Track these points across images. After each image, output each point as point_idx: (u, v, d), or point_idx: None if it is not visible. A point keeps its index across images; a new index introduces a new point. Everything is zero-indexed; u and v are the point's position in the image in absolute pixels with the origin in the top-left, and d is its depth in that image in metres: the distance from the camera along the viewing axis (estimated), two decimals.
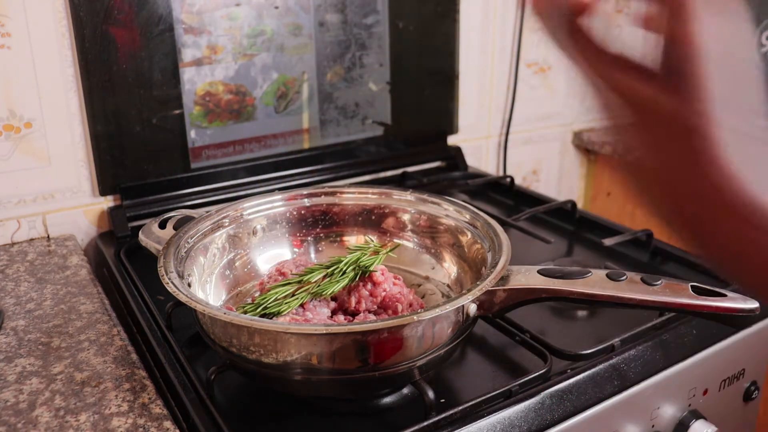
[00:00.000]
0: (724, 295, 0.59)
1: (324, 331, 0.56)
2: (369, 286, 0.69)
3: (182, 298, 0.60)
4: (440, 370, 0.69)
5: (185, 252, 0.71)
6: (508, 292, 0.64)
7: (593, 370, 0.68)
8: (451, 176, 1.24)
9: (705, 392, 0.78)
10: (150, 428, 0.59)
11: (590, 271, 0.63)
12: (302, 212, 0.84)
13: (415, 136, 1.24)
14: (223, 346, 0.62)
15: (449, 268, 0.80)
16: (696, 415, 0.76)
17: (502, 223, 0.80)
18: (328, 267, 0.70)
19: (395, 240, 0.84)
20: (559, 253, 0.97)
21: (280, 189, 0.92)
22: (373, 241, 0.80)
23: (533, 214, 1.03)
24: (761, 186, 0.35)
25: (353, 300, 0.69)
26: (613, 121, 0.41)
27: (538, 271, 0.65)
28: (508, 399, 0.63)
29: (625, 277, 0.62)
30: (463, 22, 1.25)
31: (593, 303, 0.63)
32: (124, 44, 0.94)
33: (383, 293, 0.69)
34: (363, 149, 1.19)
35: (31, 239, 0.98)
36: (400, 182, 1.20)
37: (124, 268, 0.89)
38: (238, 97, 1.05)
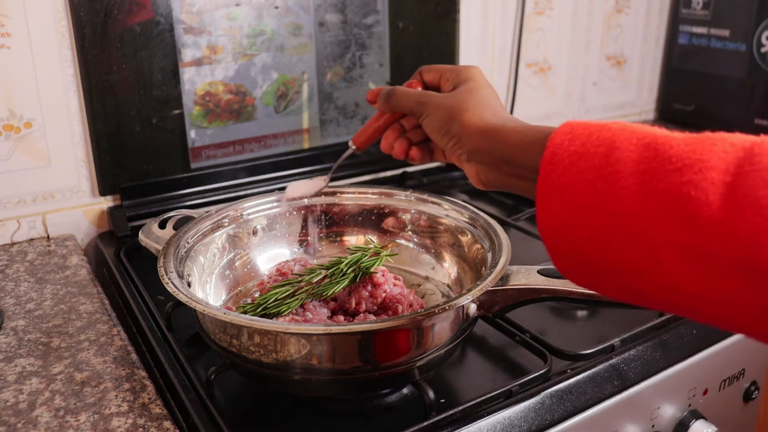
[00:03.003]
0: None
1: (324, 331, 0.56)
2: (369, 287, 0.69)
3: (182, 298, 0.60)
4: (440, 370, 0.69)
5: (185, 252, 0.71)
6: (508, 292, 0.64)
7: (593, 370, 0.68)
8: (451, 176, 1.24)
9: (705, 392, 0.78)
10: (150, 428, 0.59)
11: None
12: (302, 212, 0.84)
13: None
14: (223, 346, 0.62)
15: (449, 268, 0.80)
16: (696, 415, 0.76)
17: (502, 223, 0.80)
18: (328, 268, 0.70)
19: (396, 240, 0.84)
20: None
21: (280, 189, 0.92)
22: (373, 241, 0.80)
23: (533, 214, 1.03)
24: None
25: (353, 301, 0.69)
26: None
27: (538, 271, 0.65)
28: (508, 399, 0.63)
29: None
30: (463, 22, 1.25)
31: (593, 303, 0.63)
32: (124, 44, 0.94)
33: (383, 294, 0.69)
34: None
35: (31, 239, 0.98)
36: (400, 182, 1.20)
37: (124, 268, 0.89)
38: (238, 97, 1.05)
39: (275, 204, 0.83)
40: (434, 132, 0.59)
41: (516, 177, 0.52)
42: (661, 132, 0.43)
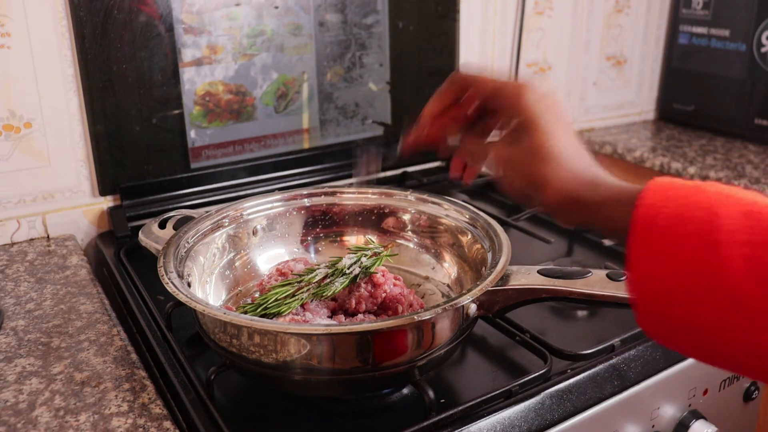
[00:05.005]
0: None
1: (324, 331, 0.56)
2: (369, 287, 0.69)
3: (182, 298, 0.60)
4: (440, 370, 0.69)
5: (185, 252, 0.71)
6: (508, 292, 0.64)
7: (593, 370, 0.68)
8: None
9: (705, 392, 0.78)
10: (150, 428, 0.59)
11: (590, 271, 0.63)
12: (302, 212, 0.84)
13: None
14: (223, 346, 0.62)
15: (449, 268, 0.80)
16: (696, 415, 0.76)
17: (502, 223, 0.80)
18: (328, 267, 0.70)
19: (396, 240, 0.84)
20: (559, 253, 0.97)
21: (280, 189, 0.92)
22: (373, 241, 0.80)
23: (533, 214, 1.03)
24: None
25: (353, 301, 0.69)
26: None
27: (538, 271, 0.65)
28: (508, 399, 0.63)
29: (625, 276, 0.62)
30: (463, 22, 1.25)
31: (593, 303, 0.63)
32: (124, 44, 0.94)
33: (383, 294, 0.69)
34: (363, 149, 1.19)
35: (31, 239, 0.98)
36: (400, 182, 1.20)
37: (124, 268, 0.89)
38: (238, 97, 1.05)
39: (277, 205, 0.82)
40: (512, 193, 0.58)
41: (605, 231, 0.52)
42: (762, 199, 0.43)
